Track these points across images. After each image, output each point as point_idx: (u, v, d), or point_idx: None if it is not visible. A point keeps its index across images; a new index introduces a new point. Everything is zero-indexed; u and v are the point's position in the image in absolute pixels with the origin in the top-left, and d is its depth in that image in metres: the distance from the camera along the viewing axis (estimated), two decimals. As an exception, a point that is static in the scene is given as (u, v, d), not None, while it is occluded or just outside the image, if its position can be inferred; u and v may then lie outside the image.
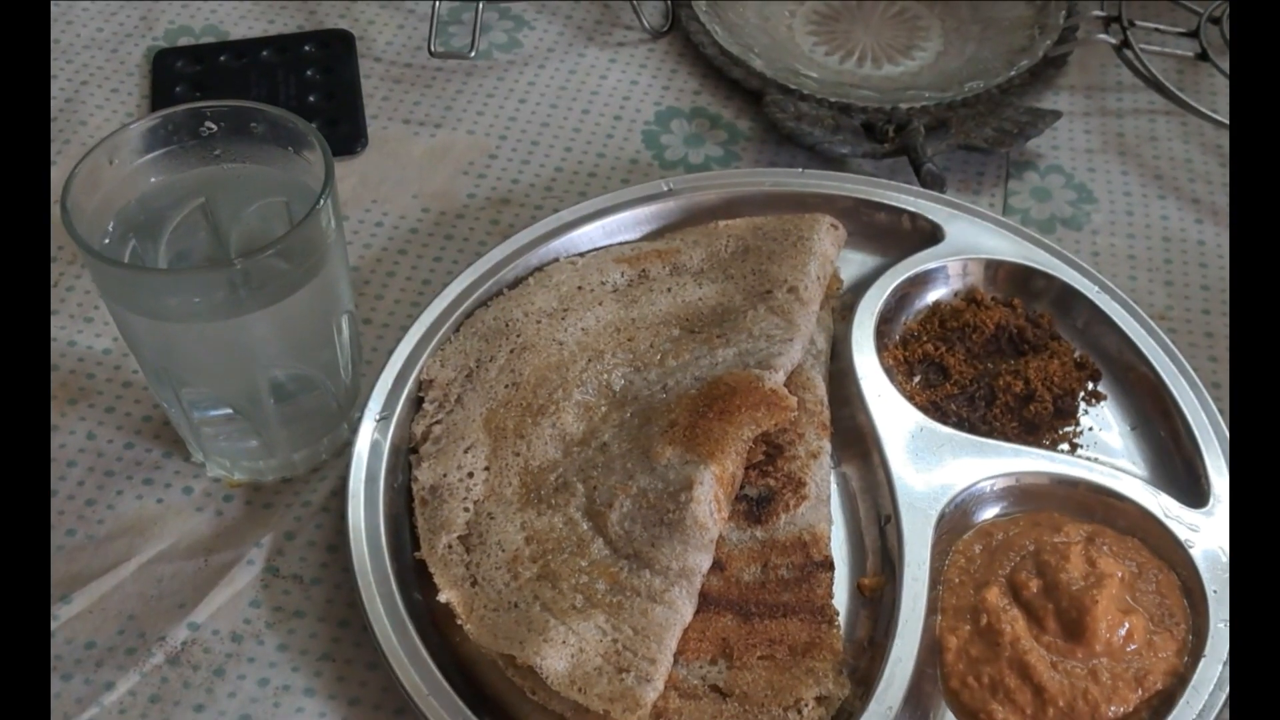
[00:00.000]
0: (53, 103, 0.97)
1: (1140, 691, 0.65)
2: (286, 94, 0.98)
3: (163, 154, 0.71)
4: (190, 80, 0.99)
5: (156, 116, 0.71)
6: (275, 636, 0.70)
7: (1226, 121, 0.94)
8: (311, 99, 0.98)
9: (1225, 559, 0.69)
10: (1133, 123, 0.99)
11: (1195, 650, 0.67)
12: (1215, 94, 1.01)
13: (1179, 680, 0.66)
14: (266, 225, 0.72)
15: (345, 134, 0.96)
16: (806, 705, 0.65)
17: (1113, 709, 0.65)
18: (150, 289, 0.67)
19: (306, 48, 1.02)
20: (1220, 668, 0.66)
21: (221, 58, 1.01)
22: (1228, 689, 0.65)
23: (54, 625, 0.70)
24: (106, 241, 0.69)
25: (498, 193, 0.93)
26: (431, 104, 0.99)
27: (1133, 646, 0.66)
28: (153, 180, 0.71)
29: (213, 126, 0.71)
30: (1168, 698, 0.65)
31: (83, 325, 0.84)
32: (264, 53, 1.02)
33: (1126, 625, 0.66)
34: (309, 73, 1.00)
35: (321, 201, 0.66)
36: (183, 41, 1.04)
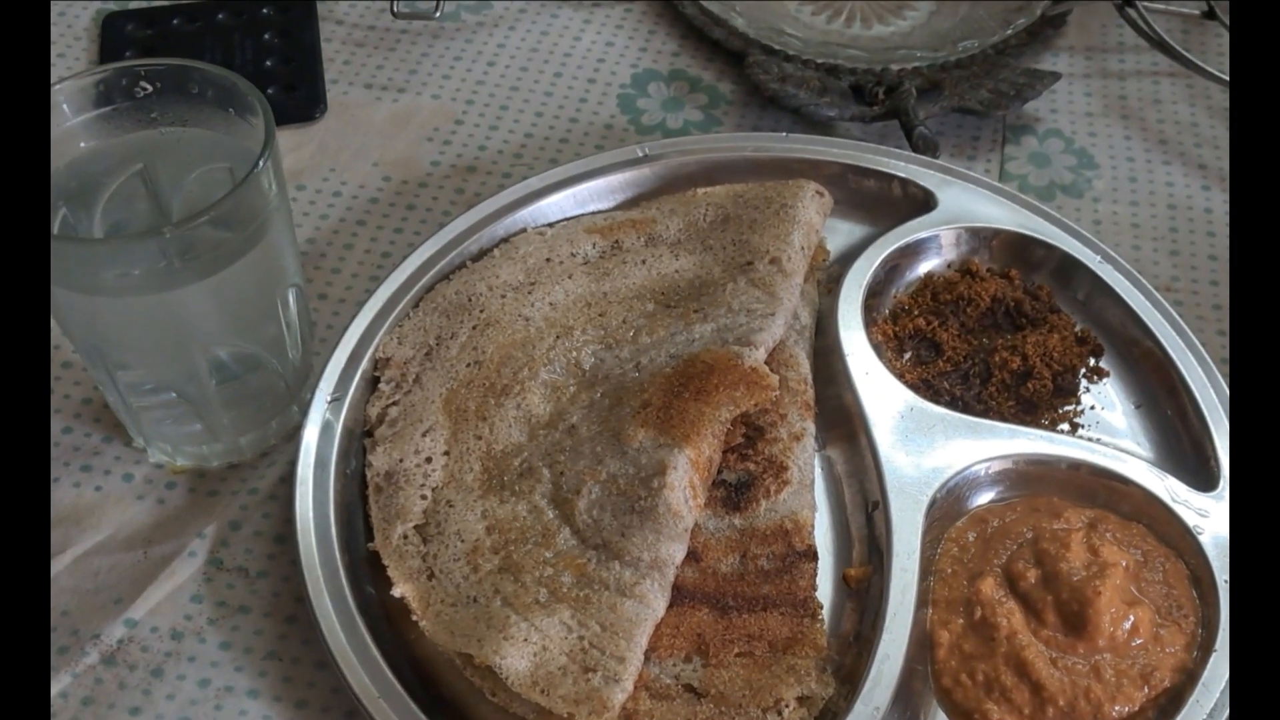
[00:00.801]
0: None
1: (1146, 689, 0.62)
2: (242, 58, 0.94)
3: (95, 117, 0.67)
4: (141, 45, 0.95)
5: (87, 76, 0.67)
6: (218, 634, 0.66)
7: (1235, 82, 0.90)
8: (269, 63, 0.94)
9: (1237, 546, 0.65)
10: (1135, 84, 0.96)
11: (1205, 644, 0.63)
12: (1222, 54, 0.97)
13: (1188, 677, 0.62)
14: (209, 193, 0.67)
15: (303, 99, 0.92)
16: (787, 706, 0.61)
17: (1117, 709, 0.61)
18: (76, 260, 0.62)
19: (264, 10, 0.98)
20: (1232, 663, 0.62)
21: (174, 21, 0.97)
22: (1240, 686, 0.61)
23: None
24: (31, 210, 0.64)
25: (463, 160, 0.89)
26: (395, 68, 0.95)
27: (1138, 641, 0.63)
28: (84, 145, 0.67)
29: (148, 87, 0.67)
30: (1176, 696, 0.62)
31: (20, 302, 0.79)
32: (219, 15, 0.97)
33: (1131, 618, 0.63)
34: (266, 36, 0.96)
35: (261, 163, 0.62)
36: (134, 4, 0.99)
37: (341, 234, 0.84)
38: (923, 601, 0.65)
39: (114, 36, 0.96)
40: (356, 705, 0.61)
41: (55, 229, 0.65)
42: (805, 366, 0.74)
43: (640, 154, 0.83)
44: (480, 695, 0.61)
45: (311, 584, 0.64)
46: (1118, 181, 0.89)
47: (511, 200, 0.80)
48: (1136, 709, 0.61)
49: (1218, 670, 0.62)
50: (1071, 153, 0.90)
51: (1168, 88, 0.95)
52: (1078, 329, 0.77)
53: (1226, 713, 0.61)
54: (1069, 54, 0.97)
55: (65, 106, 0.66)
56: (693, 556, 0.65)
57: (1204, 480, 0.69)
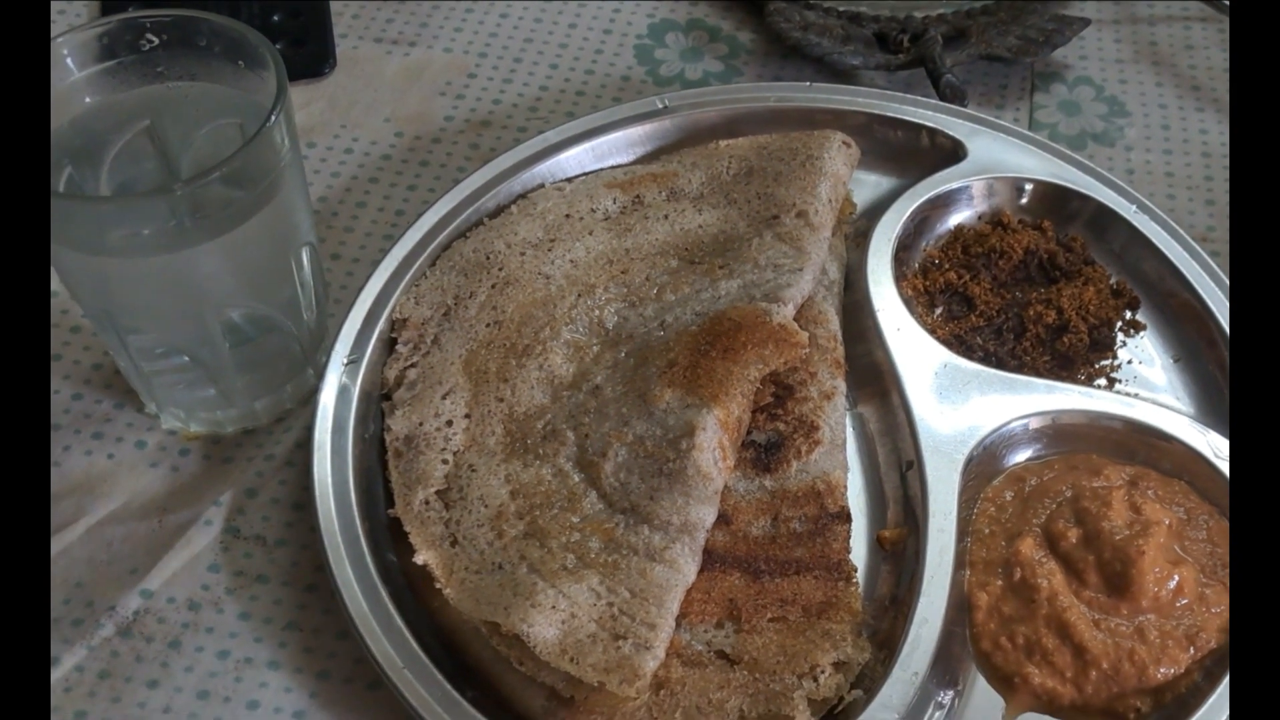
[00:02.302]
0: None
1: (1192, 651, 0.60)
2: (249, 12, 0.93)
3: (98, 71, 0.65)
4: (143, -1, 0.93)
5: (89, 28, 0.65)
6: (236, 604, 0.65)
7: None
8: (276, 18, 0.93)
9: (1284, 503, 0.64)
10: (1166, 30, 0.94)
11: (1253, 605, 0.61)
12: (1256, -3, 0.94)
13: (1235, 638, 0.60)
14: (219, 150, 0.65)
15: (312, 54, 0.90)
16: (823, 672, 0.60)
17: (1162, 671, 0.60)
18: (83, 220, 0.61)
19: (270, -38, 0.95)
20: (1280, 623, 0.60)
21: (178, -26, 0.94)
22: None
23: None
24: (35, 169, 0.62)
25: (477, 114, 0.88)
26: (405, 20, 0.94)
27: (1183, 601, 0.62)
28: (88, 100, 0.66)
29: (154, 39, 0.66)
30: (1222, 657, 0.61)
31: (26, 265, 0.77)
32: (224, -32, 0.95)
33: (1176, 578, 0.62)
34: (273, -11, 0.94)
35: (273, 118, 0.61)
36: (136, -43, 0.97)
37: (354, 192, 0.83)
38: (960, 563, 0.63)
39: (116, -10, 0.94)
40: (380, 676, 0.60)
41: (60, 188, 0.63)
42: (834, 323, 0.72)
43: (660, 105, 0.81)
44: (507, 664, 0.60)
45: (331, 552, 0.63)
46: (1150, 130, 0.87)
47: (528, 155, 0.78)
48: (1182, 671, 0.60)
49: (1266, 631, 0.60)
50: (1102, 100, 0.88)
51: (1199, 33, 0.93)
52: (1113, 281, 0.76)
53: (1275, 674, 0.59)
54: (1097, -1, 0.96)
55: (68, 60, 0.64)
56: (723, 519, 0.64)
57: (1248, 435, 0.67)
